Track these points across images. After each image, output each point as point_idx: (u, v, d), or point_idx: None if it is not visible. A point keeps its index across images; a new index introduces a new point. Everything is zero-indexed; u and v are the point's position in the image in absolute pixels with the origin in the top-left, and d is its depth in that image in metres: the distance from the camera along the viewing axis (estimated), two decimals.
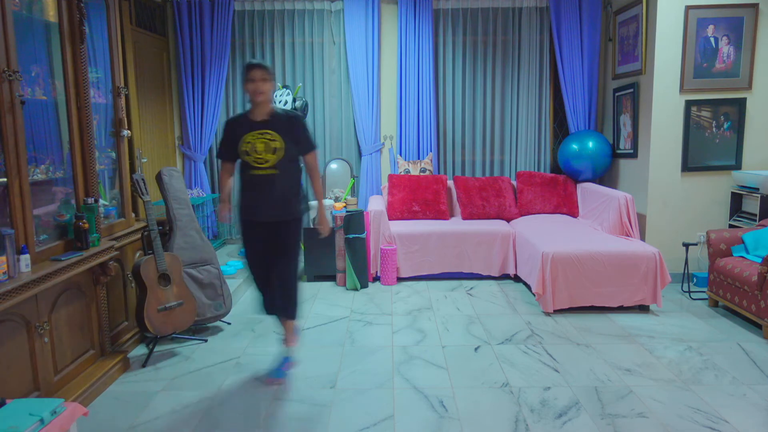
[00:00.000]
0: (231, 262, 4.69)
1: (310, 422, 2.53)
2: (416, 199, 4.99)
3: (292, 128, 2.86)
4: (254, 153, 2.78)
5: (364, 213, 4.56)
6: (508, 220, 5.02)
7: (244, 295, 4.39)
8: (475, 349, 3.32)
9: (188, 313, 3.32)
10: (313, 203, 2.86)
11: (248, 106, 2.92)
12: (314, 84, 5.42)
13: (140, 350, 3.37)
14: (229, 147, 2.88)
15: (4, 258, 2.20)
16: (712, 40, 4.36)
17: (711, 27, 4.34)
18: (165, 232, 3.56)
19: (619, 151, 5.04)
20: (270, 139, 2.78)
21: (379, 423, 2.51)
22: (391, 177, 5.10)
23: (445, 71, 5.40)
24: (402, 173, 5.19)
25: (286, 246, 2.92)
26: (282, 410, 2.64)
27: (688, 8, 4.31)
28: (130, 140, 3.73)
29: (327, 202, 4.92)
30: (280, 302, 2.93)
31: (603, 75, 5.37)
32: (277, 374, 2.94)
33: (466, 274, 4.72)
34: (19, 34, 2.42)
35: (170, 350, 3.35)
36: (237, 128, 2.85)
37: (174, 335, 3.40)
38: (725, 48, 4.37)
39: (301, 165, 3.00)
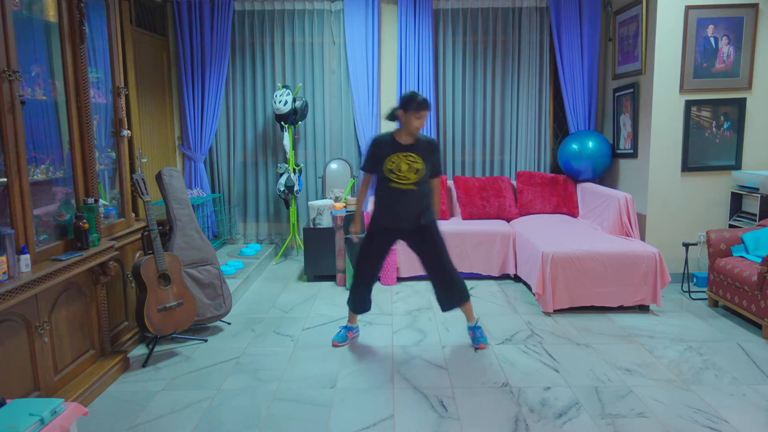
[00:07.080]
0: (231, 262, 4.69)
1: (310, 422, 2.53)
2: None
3: (432, 153, 3.24)
4: (398, 171, 3.14)
5: (364, 213, 4.55)
6: (508, 220, 5.02)
7: (244, 295, 4.39)
8: (475, 349, 3.32)
9: (188, 313, 3.32)
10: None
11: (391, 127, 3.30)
12: (314, 84, 5.43)
13: (140, 350, 3.37)
14: (375, 162, 3.20)
15: (4, 258, 2.20)
16: (712, 40, 4.36)
17: (711, 27, 4.34)
18: (165, 232, 3.56)
19: (619, 151, 5.04)
20: (413, 161, 3.15)
21: (379, 423, 2.51)
22: None
23: (445, 71, 5.40)
24: None
25: (438, 247, 3.28)
26: (282, 410, 2.64)
27: (688, 8, 4.31)
28: (130, 140, 3.73)
29: (327, 202, 4.92)
30: (456, 293, 3.30)
31: (603, 75, 5.36)
32: (481, 340, 3.34)
33: (466, 274, 4.71)
34: (19, 34, 2.42)
35: (170, 350, 3.35)
36: (384, 147, 3.19)
37: (174, 335, 3.40)
38: (725, 48, 4.37)
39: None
